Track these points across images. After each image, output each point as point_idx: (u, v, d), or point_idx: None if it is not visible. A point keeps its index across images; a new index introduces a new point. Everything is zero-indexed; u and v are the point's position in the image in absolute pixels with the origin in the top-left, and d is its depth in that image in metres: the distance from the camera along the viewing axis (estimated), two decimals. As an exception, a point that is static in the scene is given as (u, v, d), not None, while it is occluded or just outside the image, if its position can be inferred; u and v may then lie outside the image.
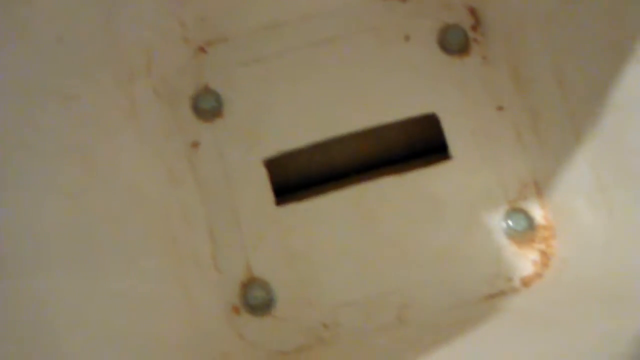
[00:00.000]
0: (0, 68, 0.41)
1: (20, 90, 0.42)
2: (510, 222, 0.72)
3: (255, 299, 0.70)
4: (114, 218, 0.53)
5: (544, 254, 0.71)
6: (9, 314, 0.39)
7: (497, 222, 0.73)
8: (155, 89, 0.68)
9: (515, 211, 0.73)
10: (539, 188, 0.73)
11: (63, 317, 0.43)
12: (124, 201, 0.53)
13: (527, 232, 0.72)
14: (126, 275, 0.54)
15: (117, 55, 0.59)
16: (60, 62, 0.48)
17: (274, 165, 0.74)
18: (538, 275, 0.72)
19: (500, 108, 0.74)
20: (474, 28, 0.75)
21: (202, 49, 0.74)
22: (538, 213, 0.73)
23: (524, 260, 0.72)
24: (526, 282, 0.71)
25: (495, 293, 0.70)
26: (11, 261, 0.41)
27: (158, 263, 0.56)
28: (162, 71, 0.70)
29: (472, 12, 0.75)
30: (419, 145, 0.78)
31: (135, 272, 0.55)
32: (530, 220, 0.72)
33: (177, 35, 0.71)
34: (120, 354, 0.47)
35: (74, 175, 0.46)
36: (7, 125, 0.40)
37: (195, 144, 0.72)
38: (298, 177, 0.77)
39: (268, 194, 0.73)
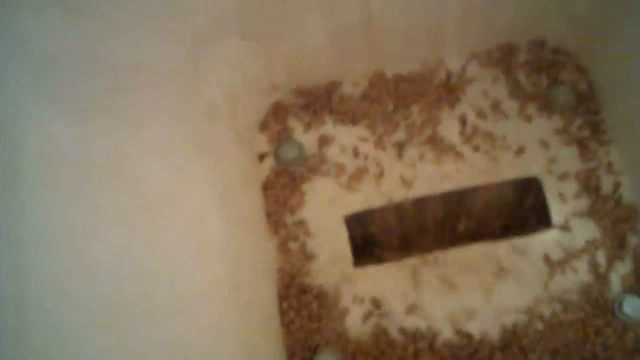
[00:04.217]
0: (62, 87, 0.39)
1: (78, 110, 0.40)
2: (624, 307, 0.62)
3: None
4: (169, 261, 0.49)
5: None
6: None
7: (609, 304, 0.63)
8: (238, 132, 0.65)
9: (631, 295, 0.63)
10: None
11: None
12: (183, 241, 0.49)
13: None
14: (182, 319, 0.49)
15: (197, 92, 0.57)
16: (131, 87, 0.46)
17: (355, 222, 0.69)
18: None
19: (612, 173, 0.65)
20: (585, 88, 0.68)
21: (289, 98, 0.71)
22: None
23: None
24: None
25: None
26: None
27: (219, 309, 0.51)
28: (246, 115, 0.68)
29: (583, 71, 0.69)
30: (516, 210, 0.71)
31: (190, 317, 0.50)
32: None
33: (264, 81, 0.69)
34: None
35: (127, 203, 0.43)
36: (62, 142, 0.38)
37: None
38: (386, 234, 0.71)
39: (347, 254, 0.67)
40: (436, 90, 0.70)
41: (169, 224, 0.49)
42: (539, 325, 0.63)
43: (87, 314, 0.39)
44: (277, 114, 0.71)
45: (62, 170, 0.36)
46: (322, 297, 0.66)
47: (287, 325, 0.65)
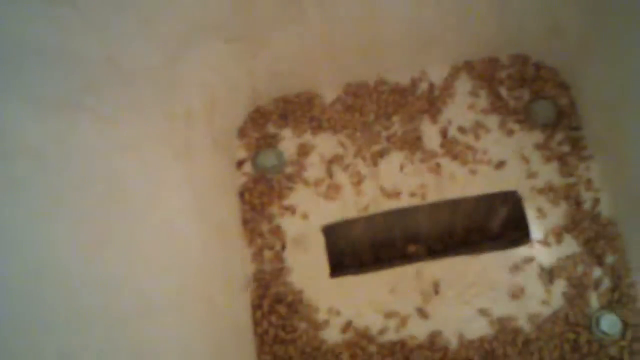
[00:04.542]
0: (31, 78, 0.37)
1: (47, 103, 0.38)
2: (601, 324, 0.61)
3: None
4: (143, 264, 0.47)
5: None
6: None
7: (586, 320, 0.62)
8: (214, 138, 0.64)
9: (608, 312, 0.62)
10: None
11: None
12: (153, 246, 0.48)
13: (619, 337, 0.61)
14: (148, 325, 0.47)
15: (175, 94, 0.56)
16: (106, 85, 0.44)
17: (333, 232, 0.68)
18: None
19: (591, 189, 0.65)
20: (566, 103, 0.68)
21: (271, 105, 0.70)
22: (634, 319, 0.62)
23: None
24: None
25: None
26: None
27: (188, 317, 0.50)
28: (224, 121, 0.67)
29: (565, 87, 0.69)
30: (495, 224, 0.70)
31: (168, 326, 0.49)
32: (625, 324, 0.61)
33: (245, 87, 0.68)
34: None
35: (102, 204, 0.41)
36: (28, 136, 0.36)
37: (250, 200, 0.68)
38: (364, 245, 0.70)
39: (323, 264, 0.66)
40: (418, 101, 0.70)
41: (139, 227, 0.47)
42: (517, 340, 0.62)
43: (53, 315, 0.37)
44: (257, 120, 0.70)
45: (27, 165, 0.34)
46: (298, 308, 0.64)
47: (260, 335, 0.63)
